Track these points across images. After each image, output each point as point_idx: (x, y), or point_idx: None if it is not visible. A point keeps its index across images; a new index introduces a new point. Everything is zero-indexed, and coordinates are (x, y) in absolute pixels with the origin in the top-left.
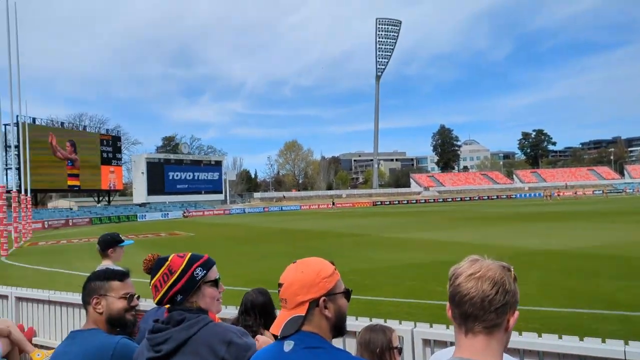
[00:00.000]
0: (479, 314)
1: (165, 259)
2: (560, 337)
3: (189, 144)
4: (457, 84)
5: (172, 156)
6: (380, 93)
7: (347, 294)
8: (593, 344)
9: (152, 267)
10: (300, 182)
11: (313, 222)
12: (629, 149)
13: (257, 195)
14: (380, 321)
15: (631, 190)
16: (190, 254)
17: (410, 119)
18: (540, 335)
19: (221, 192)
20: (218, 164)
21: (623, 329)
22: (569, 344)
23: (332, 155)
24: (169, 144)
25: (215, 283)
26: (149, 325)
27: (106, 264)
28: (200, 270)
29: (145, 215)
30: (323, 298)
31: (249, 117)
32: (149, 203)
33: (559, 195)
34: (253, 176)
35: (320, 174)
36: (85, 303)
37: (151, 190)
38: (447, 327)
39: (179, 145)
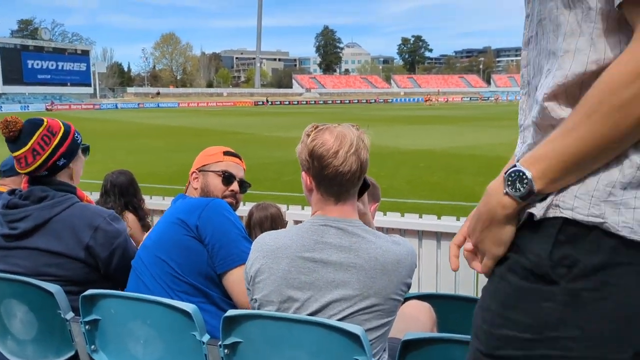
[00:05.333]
0: (355, 184)
1: (40, 120)
2: (420, 217)
3: (50, 29)
4: None
5: (30, 42)
6: None
7: (223, 177)
8: (448, 222)
9: (23, 129)
10: (178, 78)
11: (192, 120)
12: (497, 59)
13: (130, 90)
14: None
15: (492, 98)
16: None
17: (294, 17)
18: (403, 215)
19: (90, 85)
20: (85, 53)
21: None
22: (427, 221)
23: (213, 52)
24: (26, 28)
25: (87, 150)
26: None
27: None
28: (77, 134)
29: (0, 106)
30: (194, 170)
31: (120, 4)
32: (4, 94)
33: (437, 100)
34: (126, 70)
35: (200, 71)
36: None
37: (7, 80)
38: None
39: (39, 30)
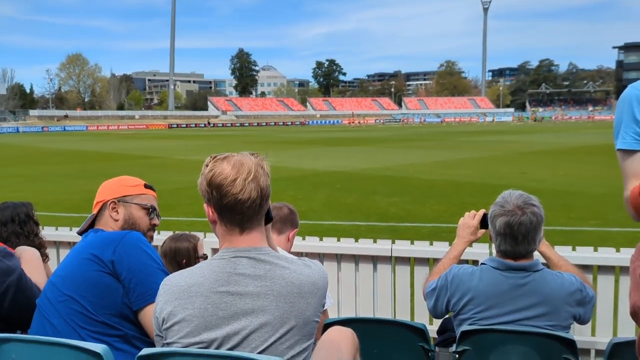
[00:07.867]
0: (258, 211)
1: None
2: (338, 240)
3: None
4: (256, 8)
5: None
6: (177, 9)
7: (150, 211)
8: (366, 244)
9: None
10: (86, 100)
11: (101, 144)
12: (407, 82)
13: (33, 112)
14: None
15: (398, 120)
16: None
17: (208, 40)
18: (321, 239)
19: None
20: None
21: (392, 237)
22: (345, 245)
23: (124, 73)
24: None
25: None
26: None
27: None
28: None
29: None
30: (112, 199)
31: (21, 23)
32: None
33: (360, 122)
34: (28, 91)
35: (110, 93)
36: None
37: None
38: None
39: None
